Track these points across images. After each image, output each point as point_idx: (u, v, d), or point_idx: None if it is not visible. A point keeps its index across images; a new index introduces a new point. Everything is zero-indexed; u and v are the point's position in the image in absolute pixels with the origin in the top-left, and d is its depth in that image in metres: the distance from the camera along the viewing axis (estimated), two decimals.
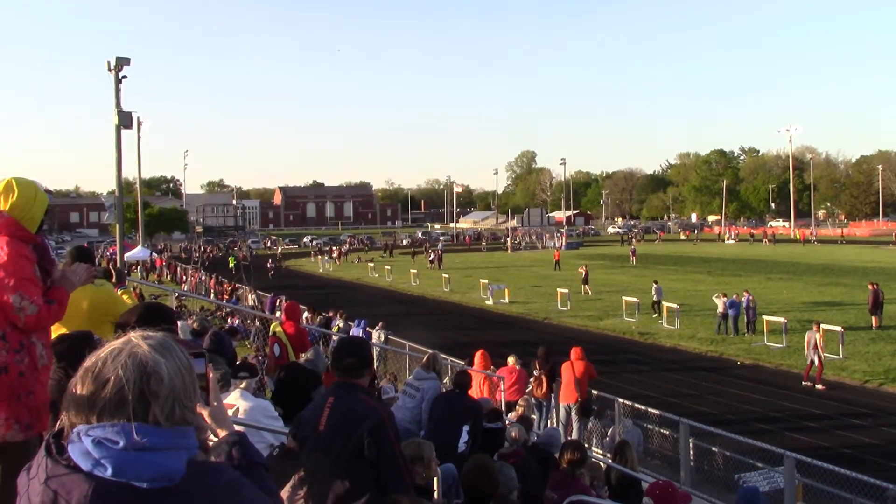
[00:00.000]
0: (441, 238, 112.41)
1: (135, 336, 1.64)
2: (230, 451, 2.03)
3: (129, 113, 22.32)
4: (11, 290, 3.41)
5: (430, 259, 65.75)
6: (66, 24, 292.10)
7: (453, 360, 16.59)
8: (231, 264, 61.02)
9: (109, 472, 1.51)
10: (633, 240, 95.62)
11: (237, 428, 2.23)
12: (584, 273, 43.12)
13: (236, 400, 5.81)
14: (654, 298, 33.51)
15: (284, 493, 4.16)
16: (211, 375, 2.08)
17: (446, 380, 12.28)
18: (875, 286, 28.74)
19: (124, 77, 22.43)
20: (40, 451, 1.62)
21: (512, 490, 5.74)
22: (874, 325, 28.09)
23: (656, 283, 34.70)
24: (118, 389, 1.54)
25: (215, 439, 2.09)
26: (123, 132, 22.52)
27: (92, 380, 1.57)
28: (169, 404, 1.57)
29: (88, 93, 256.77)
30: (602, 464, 9.97)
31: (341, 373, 4.21)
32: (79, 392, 1.57)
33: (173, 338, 1.70)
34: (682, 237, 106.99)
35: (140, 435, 1.53)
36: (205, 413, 2.06)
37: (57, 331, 4.73)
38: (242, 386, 5.99)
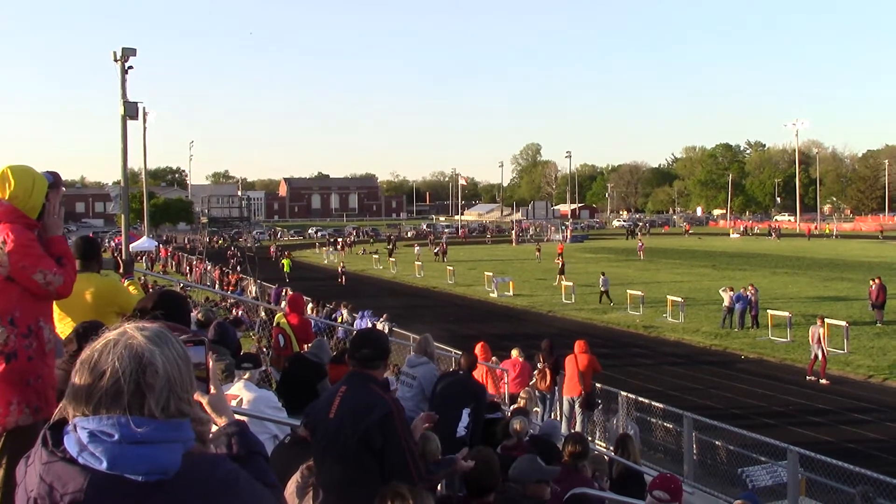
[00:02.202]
0: (445, 230, 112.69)
1: (130, 327, 1.63)
2: (229, 440, 2.03)
3: (135, 103, 22.24)
4: (31, 271, 3.50)
5: (435, 252, 65.55)
6: (72, 13, 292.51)
7: (457, 352, 16.58)
8: (286, 269, 50.34)
9: (104, 464, 1.51)
10: (639, 233, 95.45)
11: (238, 418, 2.23)
12: (560, 264, 44.85)
13: (240, 391, 5.82)
14: (602, 289, 35.66)
15: (293, 481, 4.17)
16: (211, 364, 2.07)
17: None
18: (878, 281, 28.68)
19: (130, 67, 22.34)
20: (38, 442, 1.62)
21: (534, 479, 5.71)
22: (878, 319, 28.05)
23: (603, 274, 37.04)
24: (114, 381, 1.53)
25: (216, 429, 2.09)
26: (129, 123, 22.48)
27: (88, 372, 1.56)
28: (164, 396, 1.56)
29: (94, 83, 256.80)
30: (605, 457, 9.97)
31: (356, 363, 4.23)
32: (76, 384, 1.57)
33: (169, 328, 1.69)
34: (689, 230, 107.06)
35: (135, 427, 1.52)
36: (204, 401, 2.06)
37: (62, 321, 4.75)
38: (246, 377, 5.99)
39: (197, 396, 1.93)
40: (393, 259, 58.09)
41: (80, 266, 4.83)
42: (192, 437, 1.64)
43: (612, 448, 13.32)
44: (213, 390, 2.11)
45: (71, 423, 1.56)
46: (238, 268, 48.91)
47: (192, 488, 1.56)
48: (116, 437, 1.51)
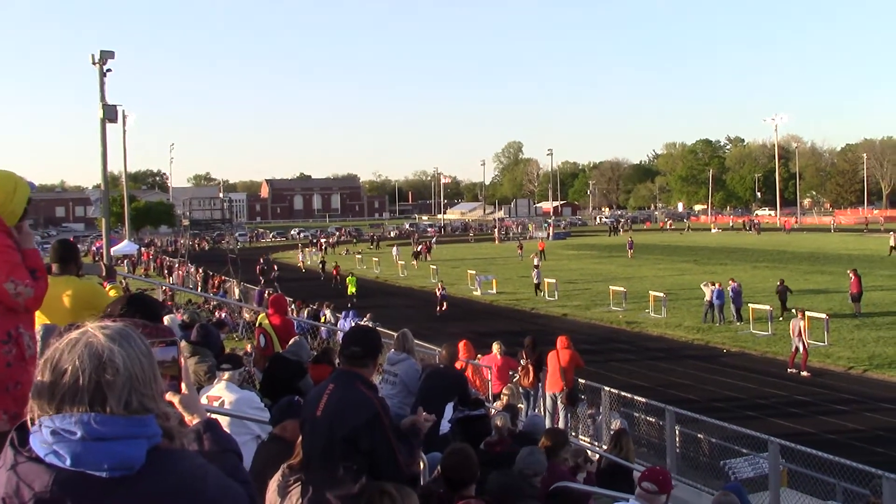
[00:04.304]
0: (430, 229, 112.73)
1: (92, 326, 1.65)
2: (200, 438, 2.05)
3: (114, 106, 22.23)
4: (2, 279, 3.44)
5: (417, 250, 65.36)
6: (49, 16, 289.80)
7: (441, 350, 16.60)
8: (351, 290, 39.04)
9: (68, 462, 1.53)
10: (622, 229, 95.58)
11: (218, 417, 2.24)
12: (535, 260, 46.07)
13: (222, 392, 5.82)
14: (535, 281, 38.55)
15: (275, 480, 4.18)
16: (182, 363, 2.09)
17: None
18: (855, 273, 28.94)
19: (109, 70, 22.31)
20: (6, 443, 1.63)
21: (538, 473, 5.78)
22: (857, 312, 28.32)
23: (536, 267, 40.11)
24: (74, 380, 1.55)
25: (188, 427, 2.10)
26: (109, 126, 22.44)
27: (51, 370, 1.58)
28: (125, 393, 1.58)
29: (73, 86, 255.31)
30: (589, 451, 10.02)
31: (345, 360, 4.21)
32: (40, 382, 1.59)
33: (133, 326, 1.71)
34: (664, 227, 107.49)
35: (97, 425, 1.54)
36: (175, 401, 2.07)
37: (40, 321, 4.73)
38: (226, 377, 5.99)
39: (169, 396, 1.94)
40: (376, 259, 57.98)
41: (58, 269, 4.81)
42: (159, 433, 1.65)
43: (596, 443, 13.44)
44: (184, 390, 2.13)
45: (36, 422, 1.58)
46: (277, 286, 38.77)
47: (157, 483, 1.58)
48: (79, 434, 1.53)
